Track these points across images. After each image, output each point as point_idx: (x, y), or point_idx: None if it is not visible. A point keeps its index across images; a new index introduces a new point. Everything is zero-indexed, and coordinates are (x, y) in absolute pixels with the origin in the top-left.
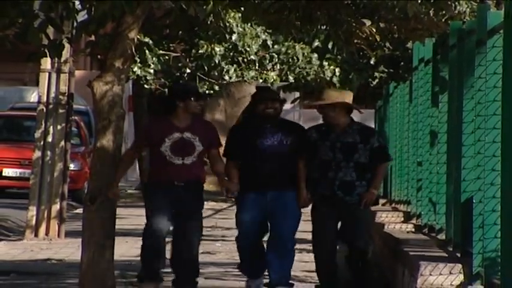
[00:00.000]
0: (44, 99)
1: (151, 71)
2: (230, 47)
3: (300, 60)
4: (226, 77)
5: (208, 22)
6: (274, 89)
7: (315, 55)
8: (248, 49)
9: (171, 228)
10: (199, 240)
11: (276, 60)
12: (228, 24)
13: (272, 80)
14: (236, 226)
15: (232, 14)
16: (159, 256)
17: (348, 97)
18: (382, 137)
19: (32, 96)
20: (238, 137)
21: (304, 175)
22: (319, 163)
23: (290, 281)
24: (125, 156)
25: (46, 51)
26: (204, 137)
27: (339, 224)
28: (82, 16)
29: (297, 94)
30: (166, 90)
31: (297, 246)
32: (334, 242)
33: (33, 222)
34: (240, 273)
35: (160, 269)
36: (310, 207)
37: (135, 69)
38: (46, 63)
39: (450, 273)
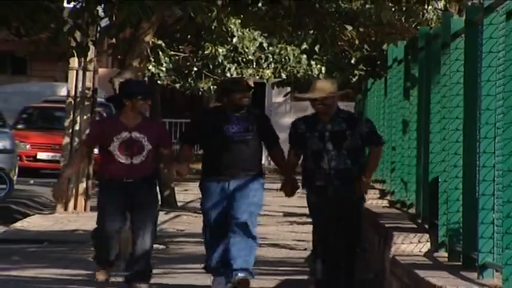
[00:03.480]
0: (72, 93)
1: (164, 69)
2: (231, 48)
3: (291, 60)
4: (228, 74)
5: (213, 27)
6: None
7: (304, 56)
8: (247, 50)
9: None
10: (153, 236)
11: (271, 59)
12: (229, 29)
13: (267, 76)
14: (202, 215)
15: (233, 21)
16: (111, 252)
17: (335, 86)
18: (371, 122)
19: (62, 91)
20: (202, 122)
21: (294, 166)
22: (311, 154)
23: (251, 270)
24: (77, 154)
25: (74, 52)
26: (152, 136)
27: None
28: (105, 22)
29: (288, 89)
30: (176, 85)
31: (288, 218)
32: (332, 234)
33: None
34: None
35: (113, 259)
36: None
37: (150, 67)
38: (74, 62)
39: (419, 242)
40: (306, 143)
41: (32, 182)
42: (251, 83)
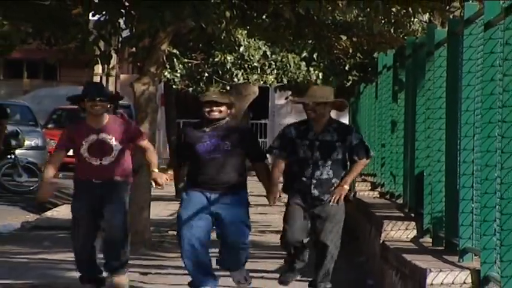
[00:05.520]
0: None
1: (178, 75)
2: (238, 56)
3: (292, 67)
4: (236, 79)
5: (222, 37)
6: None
7: (303, 62)
8: (252, 58)
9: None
10: (124, 228)
11: (274, 66)
12: (237, 39)
13: (270, 81)
14: (177, 223)
15: (240, 31)
16: (91, 260)
17: (330, 94)
18: (360, 134)
19: None
20: (183, 139)
21: (279, 174)
22: (297, 160)
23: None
24: (53, 158)
25: (98, 59)
26: (120, 135)
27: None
28: (126, 33)
29: (290, 92)
30: (189, 89)
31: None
32: (302, 232)
33: None
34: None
35: (98, 272)
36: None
37: (166, 73)
38: (98, 69)
39: (406, 229)
40: (294, 150)
41: (60, 175)
42: (254, 90)
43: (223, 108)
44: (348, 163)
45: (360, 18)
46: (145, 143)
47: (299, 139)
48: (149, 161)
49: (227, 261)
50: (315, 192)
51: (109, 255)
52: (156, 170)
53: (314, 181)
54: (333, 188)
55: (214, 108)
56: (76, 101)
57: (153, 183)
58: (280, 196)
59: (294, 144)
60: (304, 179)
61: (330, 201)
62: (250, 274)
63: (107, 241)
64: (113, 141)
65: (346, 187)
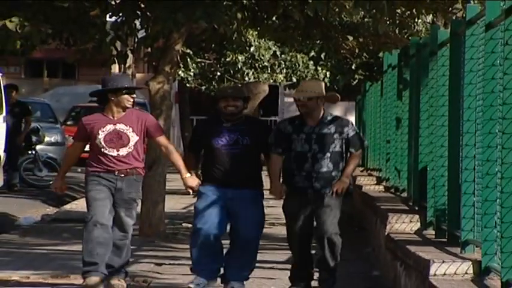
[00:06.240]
0: None
1: (192, 74)
2: (249, 56)
3: (300, 66)
4: (246, 78)
5: (233, 38)
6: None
7: (311, 62)
8: (262, 57)
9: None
10: (130, 229)
11: (283, 65)
12: (248, 39)
13: (280, 80)
14: (194, 217)
15: (251, 32)
16: (104, 248)
17: (321, 88)
18: (355, 126)
19: None
20: (199, 132)
21: (279, 168)
22: (294, 155)
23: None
24: (69, 152)
25: (115, 59)
26: (138, 127)
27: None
28: (141, 33)
29: None
30: (202, 88)
31: None
32: (309, 234)
33: None
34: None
35: (105, 262)
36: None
37: (180, 72)
38: (115, 68)
39: (410, 221)
40: (290, 145)
41: (79, 170)
42: (264, 88)
43: (239, 103)
44: (344, 155)
45: (366, 20)
46: (163, 139)
47: (295, 134)
48: (177, 168)
49: (233, 266)
50: (317, 185)
51: (112, 259)
52: (188, 175)
53: (314, 175)
54: (334, 181)
55: (231, 103)
56: (103, 94)
57: (190, 191)
58: (285, 190)
59: (290, 140)
60: (304, 173)
61: (331, 193)
62: (260, 265)
63: (115, 247)
64: (130, 132)
65: (347, 180)
